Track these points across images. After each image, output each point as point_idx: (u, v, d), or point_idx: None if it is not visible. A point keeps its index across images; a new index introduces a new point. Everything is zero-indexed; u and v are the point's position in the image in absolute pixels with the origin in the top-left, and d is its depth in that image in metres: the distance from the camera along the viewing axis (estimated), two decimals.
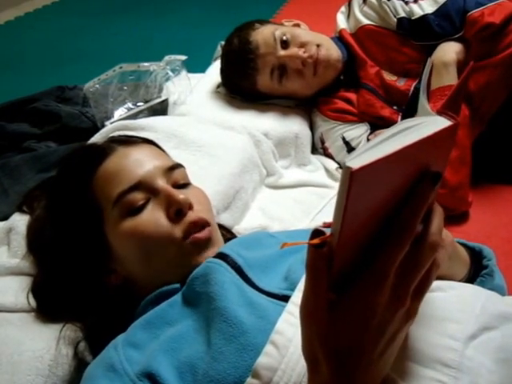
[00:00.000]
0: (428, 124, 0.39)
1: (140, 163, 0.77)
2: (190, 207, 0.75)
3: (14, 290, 0.88)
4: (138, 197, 0.74)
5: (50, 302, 0.85)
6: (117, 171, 0.76)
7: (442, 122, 0.39)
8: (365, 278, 0.41)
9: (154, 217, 0.73)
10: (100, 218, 0.76)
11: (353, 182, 0.34)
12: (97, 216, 0.76)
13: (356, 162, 0.34)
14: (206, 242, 0.74)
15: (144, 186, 0.75)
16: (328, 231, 0.40)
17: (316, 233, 0.41)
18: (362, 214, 0.38)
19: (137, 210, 0.74)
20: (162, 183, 0.76)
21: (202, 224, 0.75)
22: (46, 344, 0.80)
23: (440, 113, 0.41)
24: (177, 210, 0.73)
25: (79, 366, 0.79)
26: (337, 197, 0.37)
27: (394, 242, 0.40)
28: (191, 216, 0.74)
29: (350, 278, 0.41)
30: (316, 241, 0.40)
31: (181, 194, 0.74)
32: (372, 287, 0.40)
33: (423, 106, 0.47)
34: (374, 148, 0.36)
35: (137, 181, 0.75)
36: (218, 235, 0.79)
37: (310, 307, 0.43)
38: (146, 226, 0.73)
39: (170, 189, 0.75)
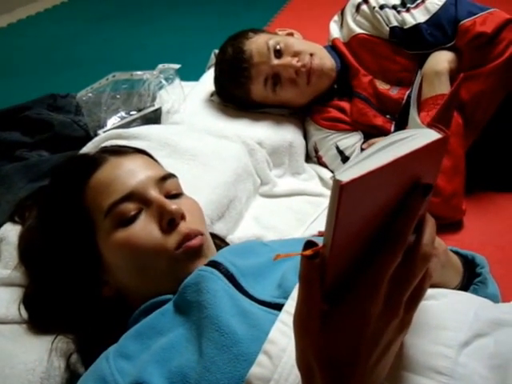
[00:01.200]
0: (418, 137, 0.40)
1: (132, 173, 0.77)
2: (183, 217, 0.75)
3: (6, 302, 0.87)
4: (130, 207, 0.74)
5: (41, 313, 0.85)
6: (109, 181, 0.76)
7: (432, 135, 0.40)
8: (357, 288, 0.41)
9: (146, 228, 0.73)
10: (92, 229, 0.75)
11: (343, 195, 0.35)
12: (89, 227, 0.75)
13: (346, 175, 0.35)
14: (198, 250, 0.74)
15: (136, 197, 0.74)
16: (321, 242, 0.40)
17: (309, 244, 0.41)
18: (353, 225, 0.39)
19: (129, 220, 0.73)
20: (154, 193, 0.75)
21: (194, 236, 0.74)
22: (37, 356, 0.79)
23: (430, 125, 0.42)
24: (169, 221, 0.73)
25: (71, 378, 0.79)
26: (328, 209, 0.37)
27: (386, 252, 0.41)
28: (183, 227, 0.74)
29: (343, 288, 0.42)
30: (309, 252, 0.40)
31: (173, 205, 0.74)
32: (365, 297, 0.41)
33: (413, 118, 0.48)
34: (364, 161, 0.37)
35: (129, 191, 0.74)
36: (210, 245, 0.78)
37: (303, 318, 0.43)
38: (139, 237, 0.72)
39: (162, 199, 0.75)
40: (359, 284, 0.41)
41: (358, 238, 0.41)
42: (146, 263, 0.73)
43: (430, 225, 0.44)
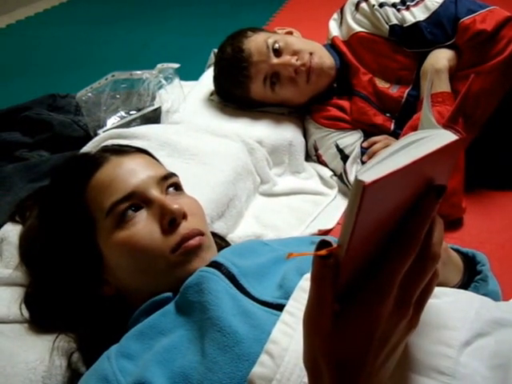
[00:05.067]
0: (434, 138, 0.39)
1: (133, 173, 0.77)
2: (184, 216, 0.75)
3: (7, 301, 0.88)
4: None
5: (42, 312, 0.85)
6: (110, 181, 0.75)
7: (448, 136, 0.40)
8: (369, 289, 0.41)
9: (147, 228, 0.73)
10: (93, 228, 0.75)
11: (364, 196, 0.34)
12: (89, 226, 0.75)
13: (367, 175, 0.34)
14: (196, 249, 0.73)
15: (137, 196, 0.74)
16: (330, 240, 0.40)
17: (322, 244, 0.40)
18: (370, 226, 0.38)
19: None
20: (155, 193, 0.75)
21: (194, 236, 0.74)
22: (39, 355, 0.79)
23: (446, 126, 0.41)
24: (170, 220, 0.73)
25: (73, 377, 0.78)
26: (346, 209, 0.37)
27: (399, 253, 0.40)
28: (184, 228, 0.74)
29: (355, 288, 0.41)
30: (323, 252, 0.40)
31: (174, 204, 0.74)
32: (376, 298, 0.40)
33: (428, 118, 0.47)
34: (383, 161, 0.36)
35: (130, 191, 0.74)
36: (210, 244, 0.78)
37: (313, 317, 0.43)
38: (140, 236, 0.72)
39: (163, 199, 0.75)
40: (371, 285, 0.41)
41: (372, 238, 0.40)
42: (145, 263, 0.73)
43: (439, 225, 0.43)
